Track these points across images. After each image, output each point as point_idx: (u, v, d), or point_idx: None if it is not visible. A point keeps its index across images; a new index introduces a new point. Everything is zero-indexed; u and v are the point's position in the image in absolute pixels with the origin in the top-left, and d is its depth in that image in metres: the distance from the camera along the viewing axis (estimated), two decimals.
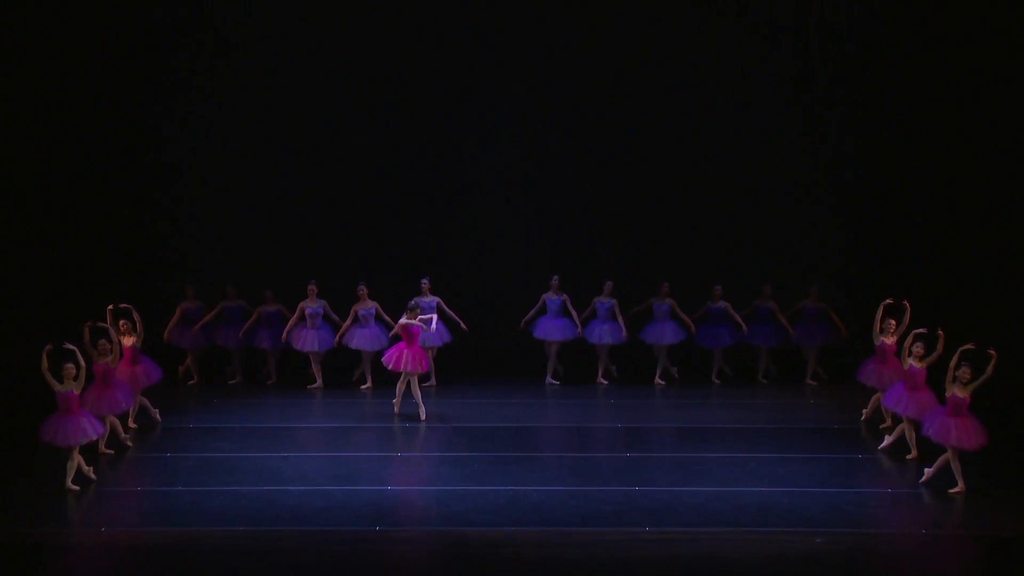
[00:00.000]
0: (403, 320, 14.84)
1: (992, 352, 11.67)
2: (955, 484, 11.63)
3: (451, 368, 16.90)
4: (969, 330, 13.25)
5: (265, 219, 18.34)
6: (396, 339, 16.62)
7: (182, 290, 17.19)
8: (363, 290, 16.67)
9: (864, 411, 14.63)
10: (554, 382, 17.25)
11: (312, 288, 16.73)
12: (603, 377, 17.33)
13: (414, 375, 14.73)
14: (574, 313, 17.08)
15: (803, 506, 11.16)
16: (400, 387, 14.86)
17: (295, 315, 16.67)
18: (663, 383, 17.16)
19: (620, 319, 16.99)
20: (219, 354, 17.44)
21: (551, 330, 17.09)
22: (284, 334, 16.63)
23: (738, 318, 17.10)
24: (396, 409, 14.90)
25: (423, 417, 14.57)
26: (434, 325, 15.53)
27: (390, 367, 14.88)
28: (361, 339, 16.61)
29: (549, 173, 18.54)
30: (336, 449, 13.32)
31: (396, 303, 16.77)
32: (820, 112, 18.18)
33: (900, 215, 18.25)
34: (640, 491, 11.70)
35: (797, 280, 17.66)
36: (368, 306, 16.67)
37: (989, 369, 11.64)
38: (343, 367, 17.17)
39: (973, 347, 11.78)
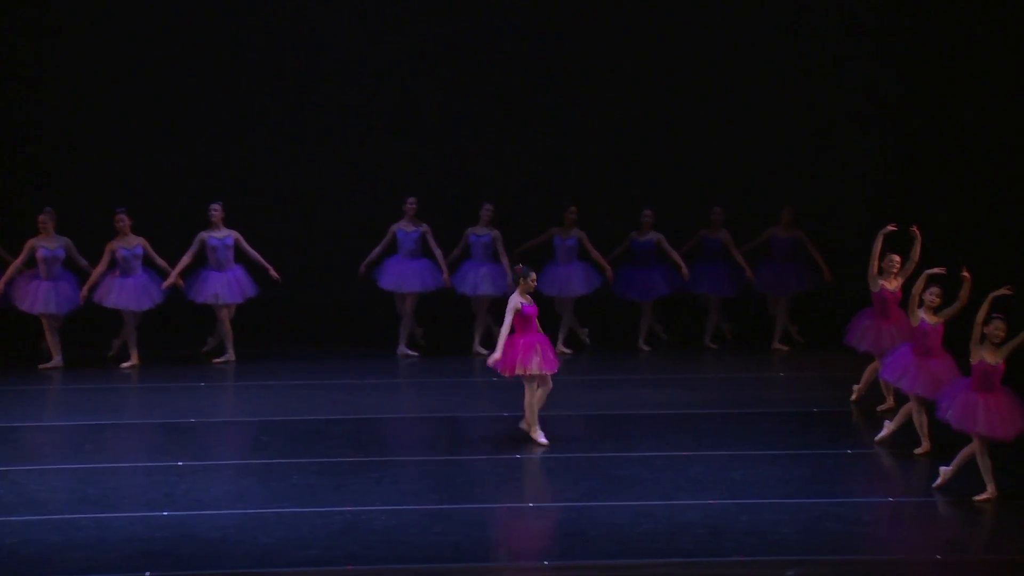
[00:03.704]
0: (515, 300, 13.32)
1: None
2: (983, 488, 11.87)
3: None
4: (1006, 269, 13.51)
5: None
6: (177, 290, 16.39)
7: None
8: (123, 220, 16.33)
9: (855, 387, 14.85)
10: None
11: (45, 219, 16.30)
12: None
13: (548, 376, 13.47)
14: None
15: (769, 524, 11.28)
16: (532, 400, 13.40)
17: (19, 259, 16.28)
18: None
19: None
20: None
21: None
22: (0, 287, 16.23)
23: (675, 255, 17.21)
24: (540, 437, 13.37)
25: (544, 440, 13.38)
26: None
27: (525, 371, 13.21)
28: (123, 293, 16.33)
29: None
30: (84, 459, 13.07)
31: (181, 234, 16.51)
32: None
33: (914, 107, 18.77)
34: (534, 509, 11.68)
35: (766, 201, 17.97)
36: (132, 244, 16.34)
37: None
38: (94, 336, 16.88)
39: (1009, 293, 11.97)
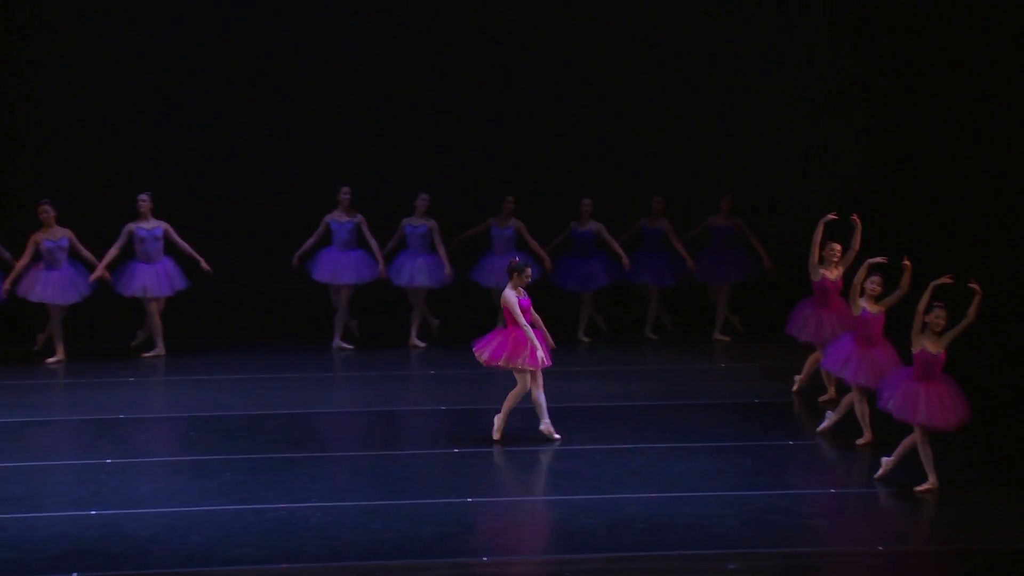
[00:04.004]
0: (512, 295, 13.12)
1: (976, 288, 11.97)
2: (925, 479, 11.97)
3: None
4: (948, 259, 13.62)
5: None
6: (105, 284, 16.31)
7: None
8: (48, 211, 16.21)
9: (797, 378, 14.93)
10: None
11: None
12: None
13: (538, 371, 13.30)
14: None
15: (711, 517, 11.34)
16: (537, 397, 13.26)
17: None
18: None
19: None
20: None
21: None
22: None
23: (615, 245, 17.27)
24: (552, 433, 13.29)
25: (557, 436, 13.33)
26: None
27: (505, 363, 13.15)
28: (47, 286, 16.22)
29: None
30: (8, 457, 12.97)
31: (108, 225, 16.44)
32: None
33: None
34: (473, 504, 11.69)
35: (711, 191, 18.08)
36: (57, 236, 16.22)
37: (971, 312, 11.94)
38: (18, 330, 16.81)
39: (950, 282, 12.06)
